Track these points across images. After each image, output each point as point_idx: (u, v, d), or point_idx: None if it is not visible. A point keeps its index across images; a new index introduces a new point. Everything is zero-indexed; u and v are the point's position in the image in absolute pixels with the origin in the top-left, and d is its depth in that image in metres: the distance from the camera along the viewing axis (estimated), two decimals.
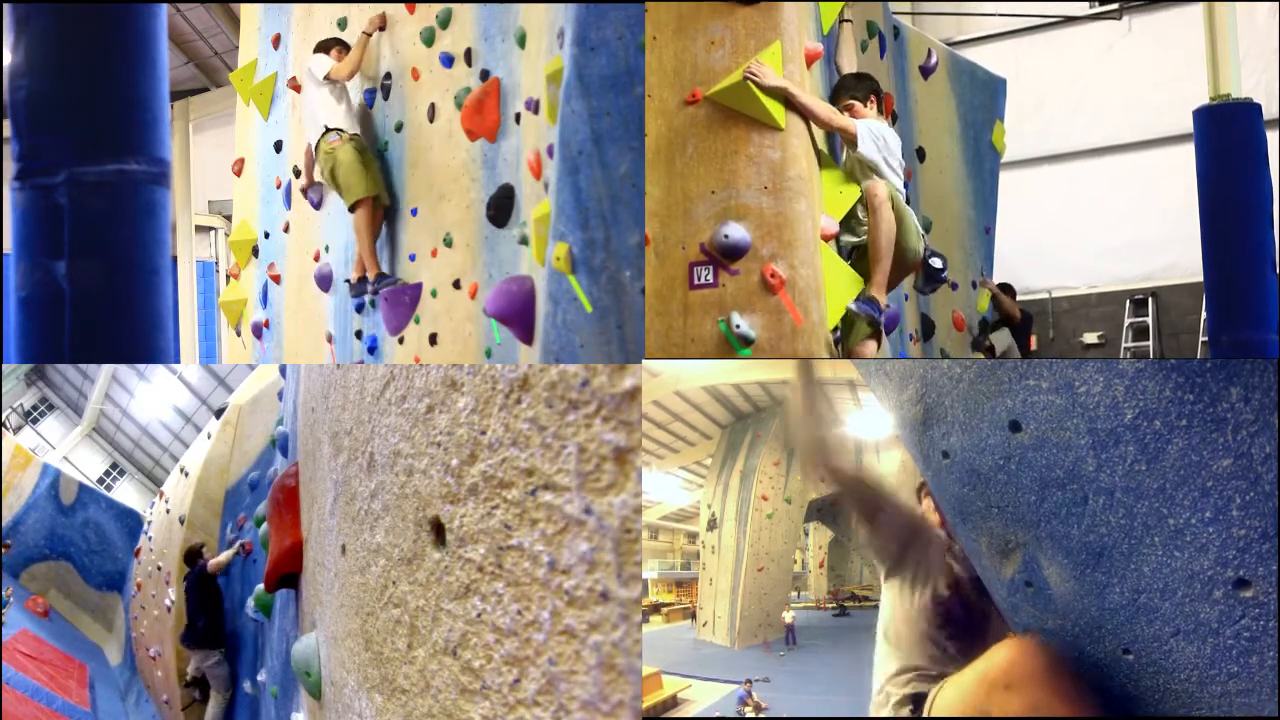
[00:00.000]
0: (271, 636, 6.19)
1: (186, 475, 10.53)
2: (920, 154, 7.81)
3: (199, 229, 19.84)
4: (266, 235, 8.71)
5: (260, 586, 5.72)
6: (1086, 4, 16.43)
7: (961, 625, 3.74)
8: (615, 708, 1.87)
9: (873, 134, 5.65)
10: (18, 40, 4.39)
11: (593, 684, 1.89)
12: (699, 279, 5.04)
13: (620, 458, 1.91)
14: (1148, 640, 2.16)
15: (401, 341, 7.07)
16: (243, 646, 8.43)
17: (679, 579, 18.44)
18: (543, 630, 1.98)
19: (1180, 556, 2.05)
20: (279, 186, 8.50)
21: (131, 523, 14.36)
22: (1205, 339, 13.49)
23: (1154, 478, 2.06)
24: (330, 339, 7.89)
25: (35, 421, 27.07)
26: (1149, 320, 15.76)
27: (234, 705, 8.65)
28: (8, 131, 4.43)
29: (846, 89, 5.95)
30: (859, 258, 5.77)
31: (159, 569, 10.42)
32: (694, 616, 16.02)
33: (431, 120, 6.87)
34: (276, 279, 8.53)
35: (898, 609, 3.82)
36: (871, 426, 12.23)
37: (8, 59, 4.44)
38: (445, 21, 6.71)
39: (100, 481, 26.20)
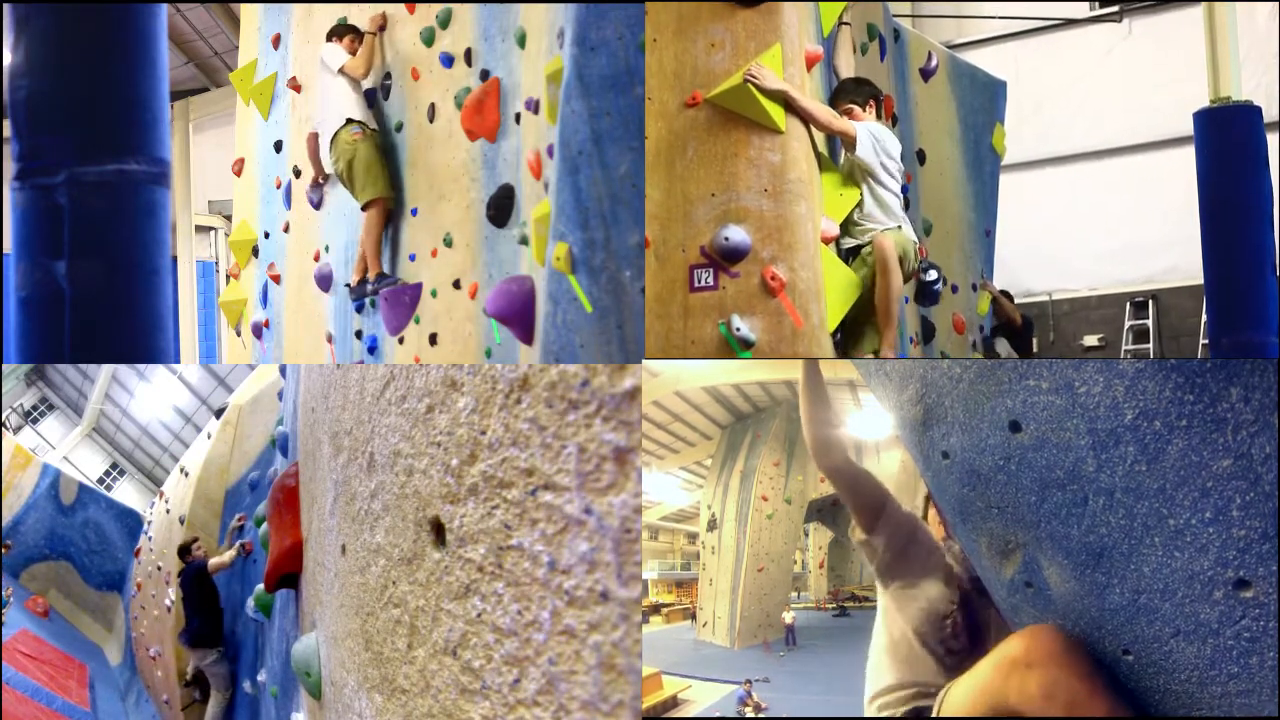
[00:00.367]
0: (271, 636, 6.19)
1: (186, 475, 10.53)
2: (920, 156, 7.81)
3: (199, 229, 19.86)
4: (266, 235, 8.71)
5: (260, 586, 5.72)
6: (1087, 6, 16.44)
7: (961, 637, 3.73)
8: (615, 708, 1.87)
9: (872, 138, 5.65)
10: (18, 40, 4.39)
11: (593, 684, 1.89)
12: (699, 282, 5.04)
13: (620, 458, 1.91)
14: (1148, 641, 2.16)
15: (401, 341, 7.07)
16: (243, 646, 8.43)
17: (679, 579, 18.46)
18: (543, 630, 1.98)
19: (1180, 557, 2.05)
20: (279, 186, 8.50)
21: (131, 523, 14.36)
22: (1205, 341, 13.49)
23: (1154, 478, 2.05)
24: (330, 339, 7.89)
25: (35, 421, 27.08)
26: (1149, 323, 15.76)
27: (234, 705, 8.65)
28: (8, 131, 4.43)
29: (846, 93, 5.95)
30: (857, 263, 5.77)
31: (159, 569, 10.42)
32: (694, 617, 16.03)
33: (431, 120, 6.88)
34: (276, 279, 8.53)
35: (895, 618, 3.81)
36: (871, 427, 12.23)
37: (8, 59, 4.44)
38: (445, 21, 6.71)
39: (100, 481, 26.20)
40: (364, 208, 7.14)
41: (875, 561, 3.93)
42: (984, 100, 8.76)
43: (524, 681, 2.02)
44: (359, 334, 7.58)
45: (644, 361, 4.88)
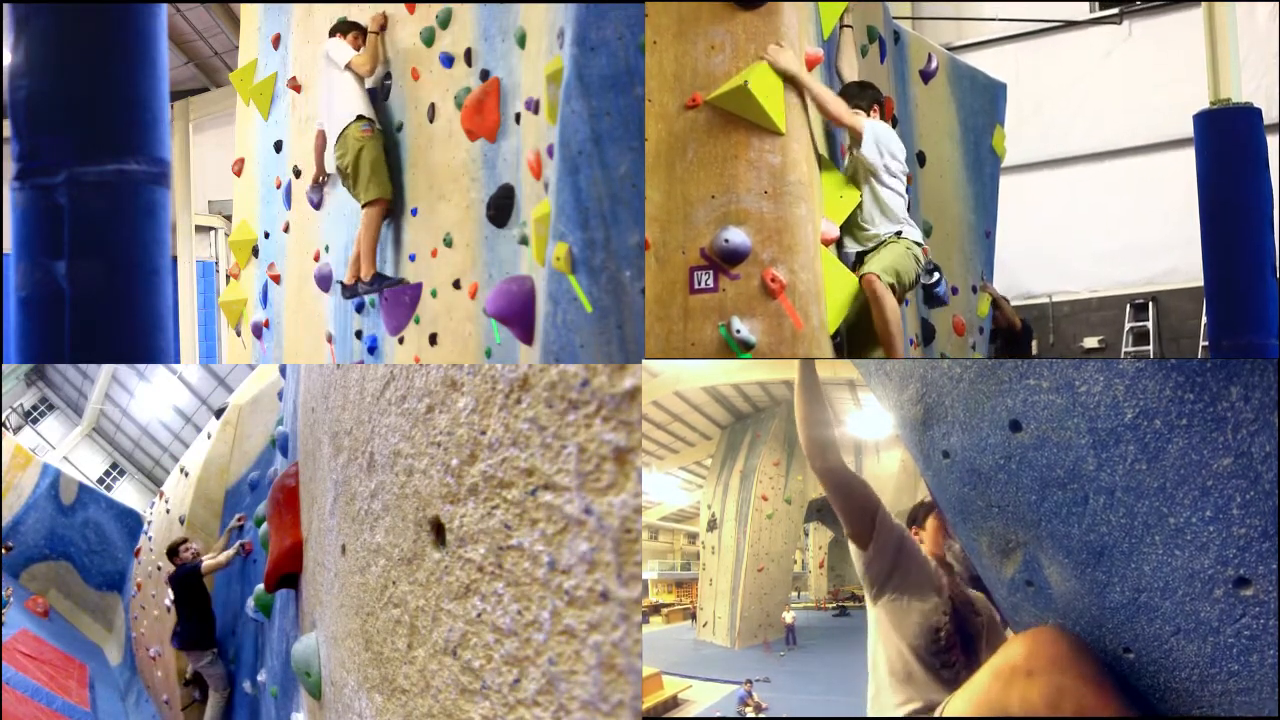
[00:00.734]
0: (271, 636, 6.19)
1: (186, 475, 10.53)
2: (920, 158, 7.81)
3: (199, 229, 19.87)
4: (266, 235, 8.72)
5: (260, 586, 5.72)
6: (1086, 8, 16.44)
7: (955, 649, 3.74)
8: (615, 708, 1.87)
9: (877, 137, 5.68)
10: (18, 40, 4.39)
11: (593, 684, 1.89)
12: (699, 283, 5.04)
13: (620, 458, 1.91)
14: (1148, 639, 2.16)
15: (401, 341, 7.07)
16: (243, 646, 8.42)
17: (679, 579, 18.46)
18: (543, 630, 1.98)
19: (1181, 555, 2.05)
20: (279, 186, 8.50)
21: (131, 523, 14.36)
22: (1206, 343, 13.50)
23: (1154, 477, 2.06)
24: (330, 339, 7.89)
25: (35, 421, 27.08)
26: (1149, 325, 15.77)
27: (234, 705, 8.64)
28: (8, 131, 4.43)
29: (850, 97, 5.97)
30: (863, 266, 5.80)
31: (159, 569, 10.41)
32: (694, 617, 16.03)
33: (431, 120, 6.88)
34: (276, 279, 8.53)
35: (890, 635, 3.81)
36: (871, 427, 12.24)
37: (8, 59, 4.44)
38: (445, 21, 6.71)
39: (100, 481, 26.20)
40: (365, 206, 7.11)
41: (870, 575, 3.92)
42: (984, 102, 8.76)
43: (524, 681, 2.02)
44: (359, 334, 7.58)
45: (644, 361, 4.88)
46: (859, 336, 5.74)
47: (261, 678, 6.98)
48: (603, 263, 4.81)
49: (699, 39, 5.14)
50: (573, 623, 1.93)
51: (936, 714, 2.85)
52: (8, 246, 4.39)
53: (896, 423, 2.75)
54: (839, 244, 5.72)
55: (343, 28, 7.35)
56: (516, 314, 5.53)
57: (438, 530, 2.37)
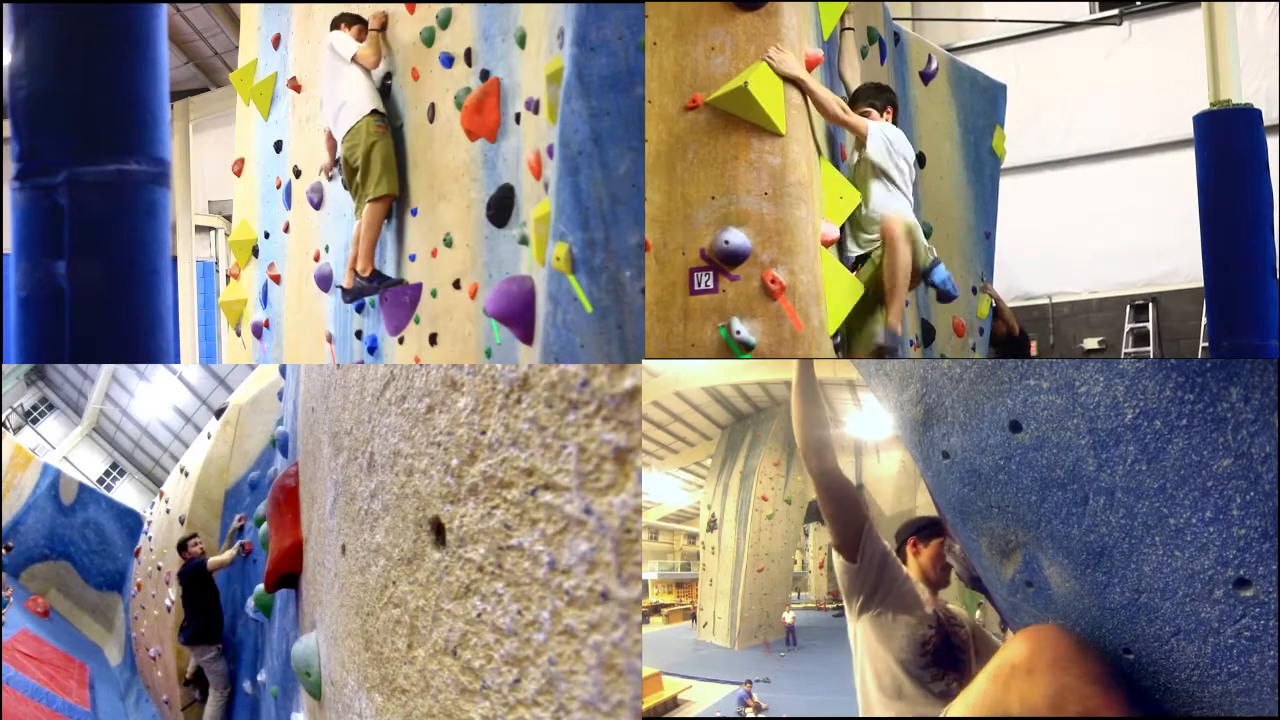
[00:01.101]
0: (271, 636, 6.19)
1: (186, 475, 10.53)
2: (921, 159, 7.81)
3: (199, 229, 19.87)
4: (266, 235, 8.72)
5: (260, 586, 5.72)
6: (1086, 9, 16.45)
7: (942, 661, 3.74)
8: (615, 708, 1.87)
9: (885, 139, 5.70)
10: (18, 40, 4.39)
11: (593, 684, 1.89)
12: (699, 284, 5.04)
13: (620, 458, 1.91)
14: (1148, 640, 2.16)
15: (401, 341, 7.07)
16: (243, 646, 8.42)
17: (679, 580, 18.44)
18: (543, 630, 1.98)
19: (1181, 556, 2.05)
20: (279, 186, 8.50)
21: (131, 523, 14.36)
22: (1205, 344, 13.50)
23: (1154, 477, 2.06)
24: (330, 339, 7.89)
25: (35, 421, 27.08)
26: (1149, 326, 15.77)
27: (234, 705, 8.64)
28: (8, 131, 4.43)
29: (865, 97, 6.04)
30: (866, 266, 5.80)
31: (159, 569, 10.42)
32: (694, 617, 16.02)
33: (431, 120, 6.88)
34: (276, 279, 8.53)
35: (878, 652, 3.81)
36: (872, 427, 12.23)
37: (8, 59, 4.44)
38: (445, 21, 6.71)
39: (100, 481, 26.21)
40: (371, 201, 7.07)
41: (855, 589, 3.92)
42: (984, 103, 8.76)
43: (524, 681, 2.02)
44: (359, 334, 7.58)
45: (644, 361, 4.88)
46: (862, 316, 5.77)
47: (261, 678, 6.99)
48: (603, 263, 4.81)
49: (699, 40, 5.14)
50: (573, 623, 1.93)
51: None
52: (8, 246, 4.39)
53: (896, 423, 2.75)
54: (839, 245, 5.73)
55: (345, 20, 7.31)
56: (516, 314, 5.53)
57: (438, 530, 2.37)
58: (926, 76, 8.03)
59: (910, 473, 11.84)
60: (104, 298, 4.38)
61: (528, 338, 5.52)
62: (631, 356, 4.77)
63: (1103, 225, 15.98)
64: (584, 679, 1.90)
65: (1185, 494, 2.02)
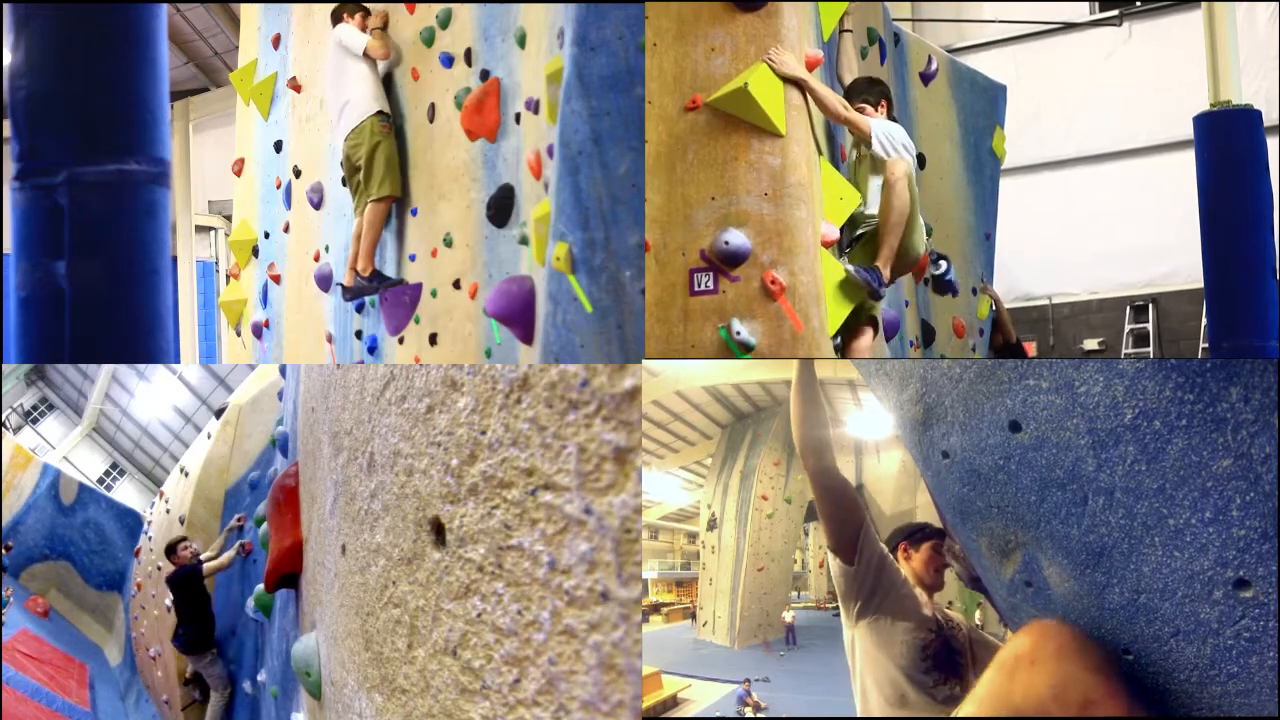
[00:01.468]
0: (271, 636, 6.19)
1: (186, 475, 10.53)
2: (921, 160, 7.82)
3: (199, 229, 19.88)
4: (266, 235, 8.72)
5: (260, 586, 5.72)
6: (1086, 10, 16.45)
7: (943, 666, 3.73)
8: (615, 708, 1.87)
9: (886, 134, 5.70)
10: (18, 40, 4.39)
11: (593, 684, 1.89)
12: (699, 285, 5.04)
13: (620, 458, 1.91)
14: (1148, 640, 2.16)
15: (401, 341, 7.07)
16: (243, 646, 8.42)
17: (679, 579, 18.44)
18: (543, 630, 1.99)
19: (1180, 556, 2.05)
20: (279, 186, 8.50)
21: (131, 523, 14.35)
22: (1206, 345, 13.51)
23: (1154, 478, 2.06)
24: (330, 339, 7.89)
25: (35, 421, 27.08)
26: (1149, 327, 15.78)
27: (234, 705, 8.64)
28: (8, 131, 4.43)
29: (859, 92, 6.03)
30: (864, 242, 5.80)
31: (159, 569, 10.41)
32: (694, 616, 16.02)
33: (431, 120, 6.88)
34: (276, 279, 8.53)
35: (879, 659, 3.79)
36: (872, 427, 12.23)
37: (8, 59, 4.44)
38: (445, 21, 6.71)
39: (100, 481, 26.21)
40: (373, 201, 7.05)
41: (853, 593, 3.90)
42: (984, 104, 8.77)
43: (524, 681, 2.02)
44: (359, 334, 7.58)
45: (644, 361, 4.88)
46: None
47: (261, 678, 6.98)
48: (603, 263, 4.81)
49: (699, 41, 5.14)
50: (573, 623, 1.93)
51: None
52: (8, 246, 4.39)
53: (896, 423, 2.75)
54: (839, 246, 5.73)
55: (347, 10, 7.24)
56: (516, 314, 5.53)
57: (438, 530, 2.37)
58: (926, 77, 8.03)
59: (910, 473, 11.85)
60: (104, 298, 4.38)
61: (528, 338, 5.52)
62: (631, 356, 4.77)
63: (1103, 226, 15.99)
64: (584, 679, 1.90)
65: (1185, 494, 2.02)
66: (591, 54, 4.78)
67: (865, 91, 6.03)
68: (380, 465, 2.76)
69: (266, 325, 8.65)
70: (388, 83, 7.30)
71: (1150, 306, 15.82)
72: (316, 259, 7.96)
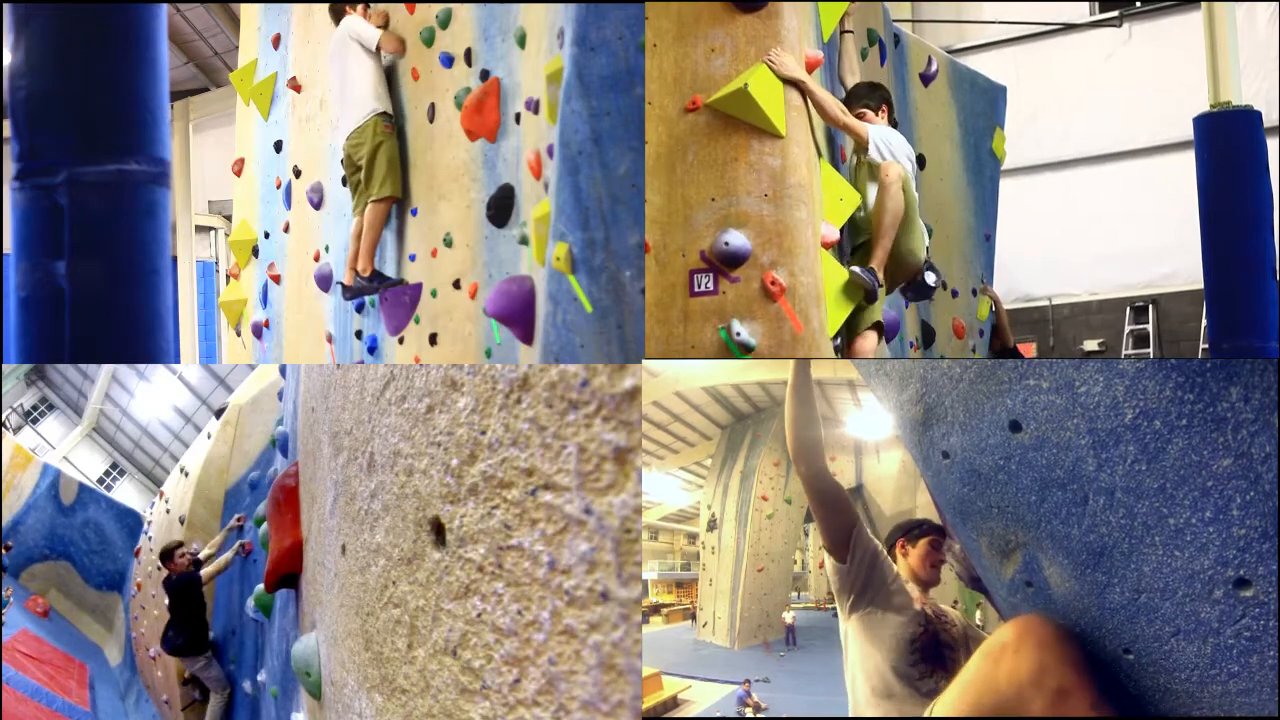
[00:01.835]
0: (271, 636, 6.19)
1: (186, 475, 10.53)
2: (920, 161, 7.81)
3: (199, 229, 19.88)
4: (266, 235, 8.72)
5: (260, 586, 5.72)
6: (1086, 10, 16.46)
7: (930, 660, 3.75)
8: (615, 708, 1.87)
9: (883, 140, 5.70)
10: (18, 40, 4.39)
11: (593, 684, 1.89)
12: (699, 286, 5.04)
13: (620, 458, 1.91)
14: (1148, 640, 2.16)
15: (401, 341, 7.07)
16: (243, 646, 8.41)
17: (679, 580, 18.44)
18: (543, 630, 1.99)
19: (1180, 556, 2.05)
20: (279, 186, 8.50)
21: (131, 523, 14.35)
22: (1206, 346, 13.51)
23: (1154, 477, 2.06)
24: (330, 339, 7.89)
25: (35, 421, 27.09)
26: (1149, 328, 15.78)
27: (234, 705, 8.63)
28: (8, 131, 4.43)
29: (859, 97, 6.03)
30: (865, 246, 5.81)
31: (159, 569, 10.41)
32: (694, 617, 16.02)
33: (431, 120, 6.87)
34: (276, 279, 8.53)
35: (869, 652, 3.82)
36: (872, 427, 12.24)
37: (8, 59, 4.44)
38: (445, 21, 6.71)
39: (100, 481, 26.22)
40: (373, 202, 7.04)
41: (846, 589, 3.93)
42: (984, 105, 8.77)
43: (524, 681, 2.02)
44: (359, 334, 7.58)
45: (644, 361, 4.88)
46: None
47: (261, 678, 6.98)
48: (603, 263, 4.81)
49: (699, 42, 5.14)
50: (573, 623, 1.93)
51: (927, 713, 2.88)
52: (8, 246, 4.39)
53: (896, 423, 2.75)
54: (839, 247, 5.73)
55: (349, 4, 7.22)
56: (516, 314, 5.53)
57: (438, 530, 2.37)
58: (926, 78, 8.03)
59: (910, 473, 11.84)
60: (104, 298, 4.38)
61: (528, 338, 5.52)
62: (631, 356, 4.77)
63: (1103, 227, 15.99)
64: (584, 679, 1.90)
65: (1185, 494, 2.02)
66: (591, 54, 4.78)
67: (866, 97, 6.04)
68: (380, 465, 2.76)
69: (266, 325, 8.65)
70: (390, 79, 7.27)
71: (1150, 307, 15.82)
72: (316, 259, 7.96)
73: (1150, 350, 15.64)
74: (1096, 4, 16.41)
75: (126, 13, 4.45)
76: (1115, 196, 15.89)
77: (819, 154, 5.43)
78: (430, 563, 2.39)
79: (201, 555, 8.80)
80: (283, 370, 7.39)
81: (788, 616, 14.58)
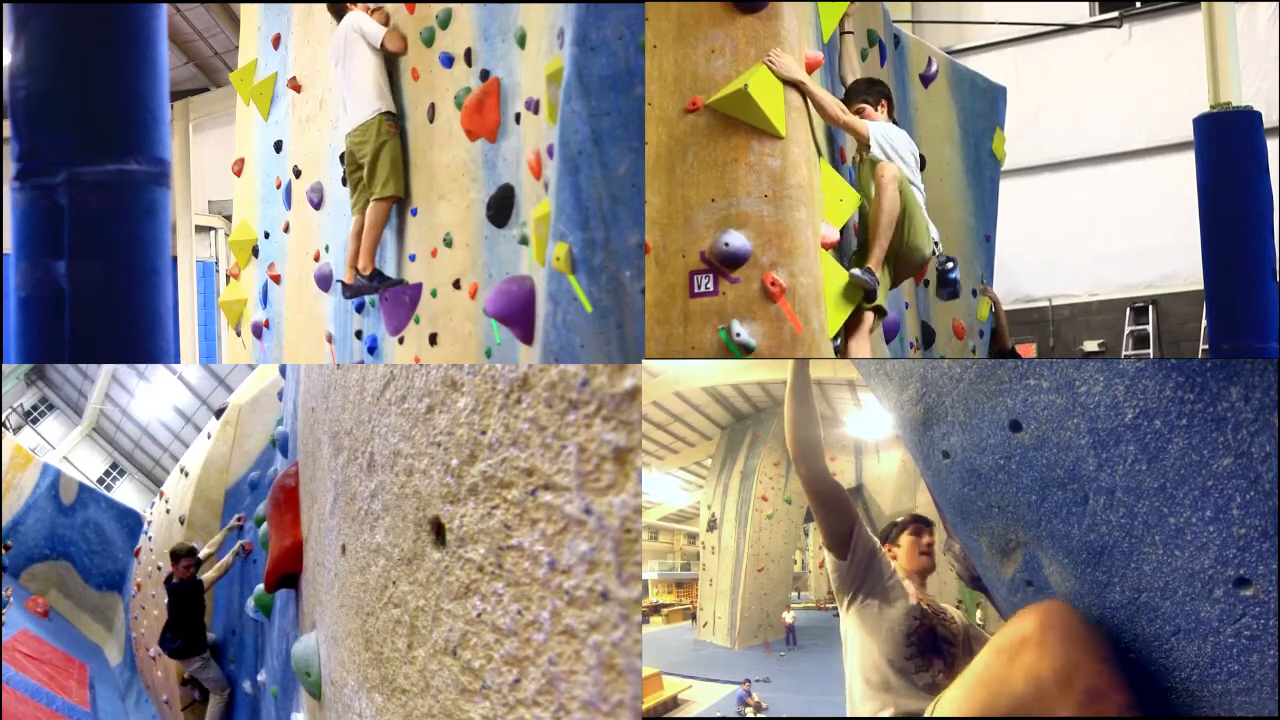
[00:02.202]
0: (271, 636, 6.19)
1: (186, 475, 10.54)
2: (921, 162, 7.81)
3: (199, 229, 19.89)
4: (266, 235, 8.72)
5: (260, 586, 5.72)
6: (1086, 11, 16.46)
7: (927, 654, 3.76)
8: (615, 708, 1.87)
9: (884, 137, 5.70)
10: (18, 40, 4.39)
11: (593, 684, 1.89)
12: (699, 287, 5.04)
13: (620, 458, 1.91)
14: (1148, 639, 2.16)
15: (401, 341, 7.07)
16: (243, 646, 8.41)
17: (679, 580, 18.46)
18: (543, 630, 1.99)
19: (1181, 555, 2.05)
20: (279, 186, 8.50)
21: (131, 523, 14.36)
22: (1205, 347, 13.51)
23: (1154, 477, 2.06)
24: (330, 339, 7.89)
25: (35, 421, 27.09)
26: (1149, 328, 15.78)
27: (234, 705, 8.64)
28: (8, 131, 4.43)
29: (858, 93, 6.02)
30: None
31: (159, 569, 10.42)
32: (694, 617, 16.03)
33: (431, 120, 6.87)
34: (276, 279, 8.53)
35: (866, 645, 3.83)
36: (872, 427, 12.24)
37: (8, 59, 4.44)
38: (445, 21, 6.71)
39: (100, 481, 26.23)
40: (375, 200, 7.03)
41: (844, 584, 3.95)
42: (984, 105, 8.76)
43: (524, 681, 2.02)
44: (359, 334, 7.58)
45: (644, 361, 4.88)
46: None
47: (261, 678, 6.98)
48: (603, 263, 4.81)
49: (699, 42, 5.14)
50: (573, 623, 1.93)
51: (928, 713, 2.73)
52: (8, 246, 4.39)
53: (896, 423, 2.75)
54: (843, 247, 5.73)
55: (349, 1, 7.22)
56: (516, 314, 5.53)
57: (438, 530, 2.37)
58: (926, 79, 8.03)
59: (910, 473, 11.85)
60: (104, 298, 4.38)
61: (528, 338, 5.52)
62: (631, 356, 4.77)
63: (1103, 228, 16.00)
64: (584, 679, 1.90)
65: (1185, 494, 2.02)
66: (591, 54, 4.78)
67: (864, 93, 6.03)
68: (380, 465, 2.76)
69: (266, 325, 8.65)
70: (391, 78, 7.25)
71: (1150, 308, 15.82)
72: (316, 259, 7.96)
73: (1150, 351, 15.65)
74: (1096, 4, 16.42)
75: (126, 13, 4.45)
76: (1115, 197, 15.90)
77: (819, 154, 5.43)
78: (430, 563, 2.39)
79: (201, 554, 8.79)
80: (283, 370, 7.39)
81: (788, 616, 14.59)
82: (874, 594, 3.87)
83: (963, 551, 3.63)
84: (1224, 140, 11.06)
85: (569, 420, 1.97)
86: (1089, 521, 2.19)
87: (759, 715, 9.93)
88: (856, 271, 5.49)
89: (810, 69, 5.36)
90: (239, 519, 8.87)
